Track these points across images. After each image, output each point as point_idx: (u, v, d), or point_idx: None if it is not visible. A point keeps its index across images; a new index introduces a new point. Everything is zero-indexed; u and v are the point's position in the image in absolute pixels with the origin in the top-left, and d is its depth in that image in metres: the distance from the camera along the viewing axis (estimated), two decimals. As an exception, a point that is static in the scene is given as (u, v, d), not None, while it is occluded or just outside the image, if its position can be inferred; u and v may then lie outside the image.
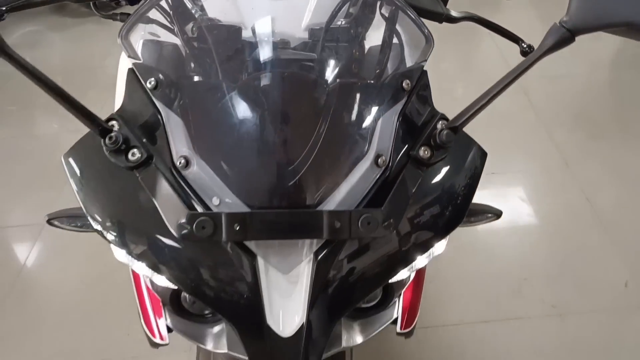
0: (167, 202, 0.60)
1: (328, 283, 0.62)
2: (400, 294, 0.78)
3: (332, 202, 0.62)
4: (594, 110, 2.51)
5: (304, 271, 0.62)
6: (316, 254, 0.62)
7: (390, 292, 0.76)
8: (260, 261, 0.62)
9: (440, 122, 0.68)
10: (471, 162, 0.71)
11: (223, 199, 0.61)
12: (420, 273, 0.80)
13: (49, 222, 0.77)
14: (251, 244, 0.62)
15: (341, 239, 0.60)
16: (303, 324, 0.62)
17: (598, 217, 1.97)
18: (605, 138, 2.33)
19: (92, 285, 1.86)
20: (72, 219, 0.77)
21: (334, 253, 0.62)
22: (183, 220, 0.57)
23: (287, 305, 0.63)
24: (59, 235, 1.99)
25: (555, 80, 2.69)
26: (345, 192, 0.62)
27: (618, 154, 2.23)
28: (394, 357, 1.60)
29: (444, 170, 0.68)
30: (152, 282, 0.76)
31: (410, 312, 0.79)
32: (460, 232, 1.93)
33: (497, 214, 0.83)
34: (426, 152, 0.65)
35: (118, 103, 0.69)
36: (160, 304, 0.77)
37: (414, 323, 0.80)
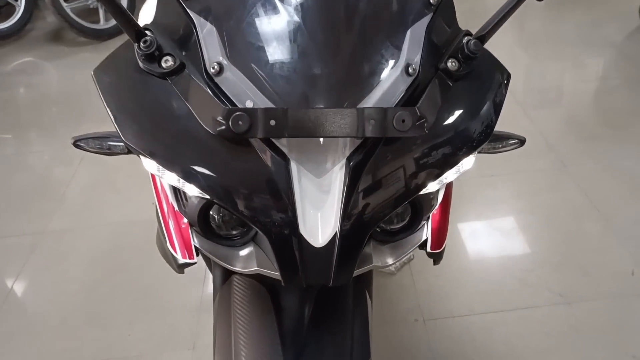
0: (201, 103, 0.61)
1: (360, 190, 0.62)
2: (429, 217, 0.78)
3: (366, 105, 0.62)
4: (584, 116, 2.58)
5: (337, 177, 0.62)
6: (349, 159, 0.62)
7: (419, 213, 0.76)
8: (294, 165, 0.62)
9: (465, 37, 0.69)
10: (496, 79, 0.73)
11: (257, 102, 0.61)
12: (447, 196, 0.80)
13: (75, 144, 0.77)
14: (284, 148, 0.62)
15: (376, 136, 0.59)
16: (336, 233, 0.62)
17: (598, 211, 1.99)
18: (597, 139, 2.39)
19: (93, 288, 1.83)
20: (99, 141, 0.77)
21: (366, 158, 0.62)
22: (219, 117, 0.58)
23: (319, 214, 0.63)
24: (58, 241, 2.04)
25: (544, 91, 2.83)
26: (378, 96, 0.63)
27: (611, 153, 2.29)
28: (406, 347, 1.58)
29: (471, 85, 0.70)
30: (178, 202, 0.75)
31: (439, 233, 0.79)
32: (463, 223, 1.92)
33: (521, 140, 0.84)
34: (454, 64, 0.67)
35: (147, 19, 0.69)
36: (188, 224, 0.75)
37: (444, 245, 0.80)
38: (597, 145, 2.34)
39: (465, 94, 0.69)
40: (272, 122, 0.56)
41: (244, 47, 0.64)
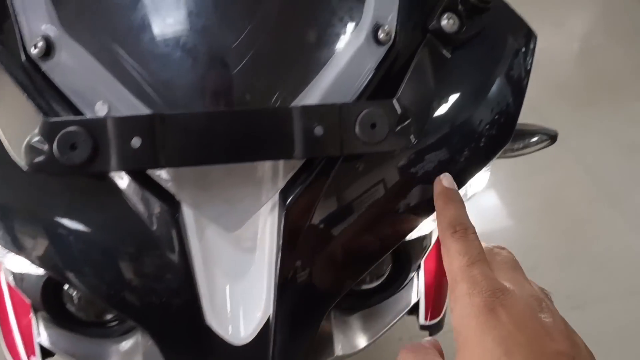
0: (8, 113, 0.36)
1: (308, 246, 0.40)
2: (420, 265, 0.53)
3: (309, 100, 0.40)
4: (574, 80, 2.30)
5: (266, 225, 0.41)
6: (283, 194, 0.40)
7: (405, 263, 0.51)
8: (188, 212, 0.40)
9: None
10: (517, 44, 0.48)
11: (114, 104, 0.38)
12: None
13: None
14: (170, 184, 0.39)
15: (328, 156, 0.38)
16: (269, 319, 0.41)
17: (601, 189, 1.73)
18: (593, 105, 2.11)
19: None
20: None
21: (314, 191, 0.39)
22: (35, 139, 0.33)
23: (240, 290, 0.42)
24: None
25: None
26: (328, 83, 0.40)
27: (608, 121, 2.00)
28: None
29: (479, 55, 0.46)
30: (14, 274, 0.48)
31: (437, 292, 0.54)
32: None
33: (552, 136, 0.56)
34: (452, 22, 0.43)
35: None
36: (30, 309, 0.48)
37: (444, 310, 0.55)
38: (595, 112, 2.06)
39: (470, 70, 0.46)
40: (137, 143, 0.33)
41: (88, 5, 0.40)
